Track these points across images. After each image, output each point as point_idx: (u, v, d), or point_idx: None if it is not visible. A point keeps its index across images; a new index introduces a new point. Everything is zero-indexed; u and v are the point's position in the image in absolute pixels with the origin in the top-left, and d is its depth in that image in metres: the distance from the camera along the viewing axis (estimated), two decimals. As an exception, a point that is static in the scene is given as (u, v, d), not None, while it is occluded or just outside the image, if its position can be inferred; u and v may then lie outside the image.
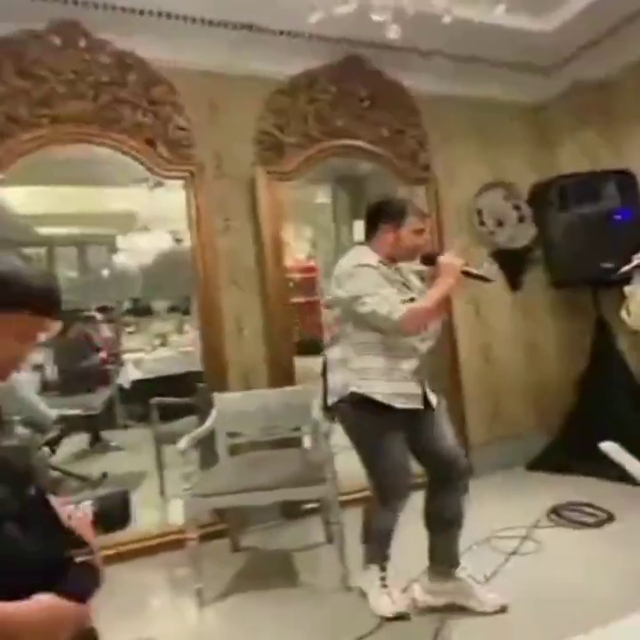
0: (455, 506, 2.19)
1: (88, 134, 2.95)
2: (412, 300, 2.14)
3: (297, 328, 4.56)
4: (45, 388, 5.15)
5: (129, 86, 3.01)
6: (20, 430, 3.23)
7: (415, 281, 2.32)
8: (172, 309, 6.81)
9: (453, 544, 2.23)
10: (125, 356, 5.87)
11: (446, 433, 2.23)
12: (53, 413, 3.92)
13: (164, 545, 2.88)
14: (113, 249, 6.48)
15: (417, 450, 2.20)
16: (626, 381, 3.70)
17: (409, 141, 3.67)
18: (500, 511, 3.03)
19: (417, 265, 2.29)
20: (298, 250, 6.03)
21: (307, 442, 3.12)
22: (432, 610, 2.19)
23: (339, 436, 2.36)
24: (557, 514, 2.97)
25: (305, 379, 3.40)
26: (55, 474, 3.91)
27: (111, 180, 4.22)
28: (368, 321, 2.09)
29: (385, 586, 2.24)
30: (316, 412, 2.74)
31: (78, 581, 0.94)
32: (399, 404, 2.11)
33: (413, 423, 2.16)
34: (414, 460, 2.22)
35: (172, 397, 3.92)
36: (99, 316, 5.90)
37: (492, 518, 2.85)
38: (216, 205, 3.22)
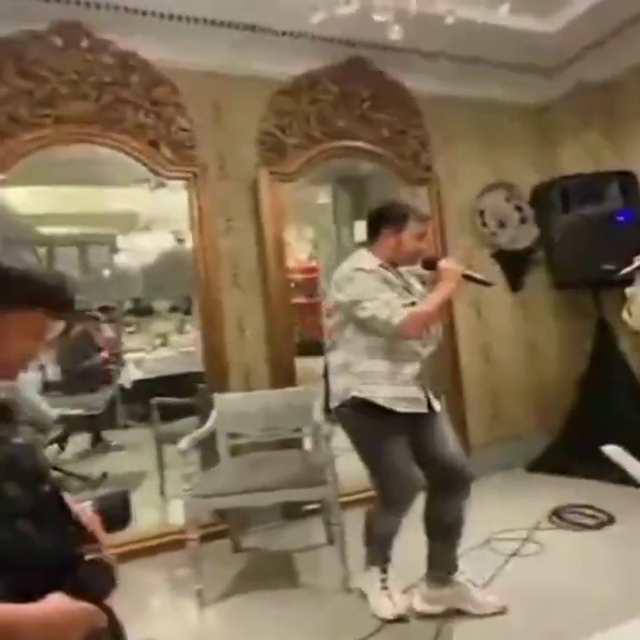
0: (455, 511, 2.18)
1: (90, 135, 2.95)
2: (413, 303, 2.14)
3: (297, 328, 4.56)
4: (47, 387, 5.15)
5: (131, 87, 3.01)
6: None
7: (416, 285, 2.32)
8: (173, 309, 6.81)
9: (452, 550, 2.22)
10: (126, 356, 5.88)
11: (448, 438, 2.21)
12: (54, 413, 3.93)
13: (165, 545, 2.88)
14: (114, 249, 6.48)
15: (418, 454, 2.19)
16: (627, 383, 3.69)
17: (411, 142, 3.67)
18: (500, 513, 3.03)
19: (418, 269, 2.29)
20: (299, 250, 6.04)
21: (307, 443, 3.12)
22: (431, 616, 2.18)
23: (339, 438, 2.36)
24: (558, 516, 2.96)
25: (306, 379, 3.40)
26: (55, 474, 3.91)
27: (113, 180, 4.22)
28: (368, 325, 2.08)
29: (385, 588, 2.24)
30: (317, 413, 2.74)
31: (95, 580, 0.94)
32: (401, 408, 2.10)
33: (415, 428, 2.16)
34: (416, 464, 2.21)
35: (172, 397, 3.92)
36: (101, 316, 5.90)
37: (491, 520, 2.84)
38: (218, 206, 3.22)
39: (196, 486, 2.46)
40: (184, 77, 3.09)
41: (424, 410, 2.15)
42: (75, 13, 2.84)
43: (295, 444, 3.09)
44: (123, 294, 6.65)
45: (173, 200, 3.63)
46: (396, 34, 2.25)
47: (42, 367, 5.27)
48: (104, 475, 4.00)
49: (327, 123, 3.44)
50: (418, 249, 2.23)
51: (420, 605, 2.22)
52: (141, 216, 5.90)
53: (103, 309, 5.95)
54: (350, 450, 2.25)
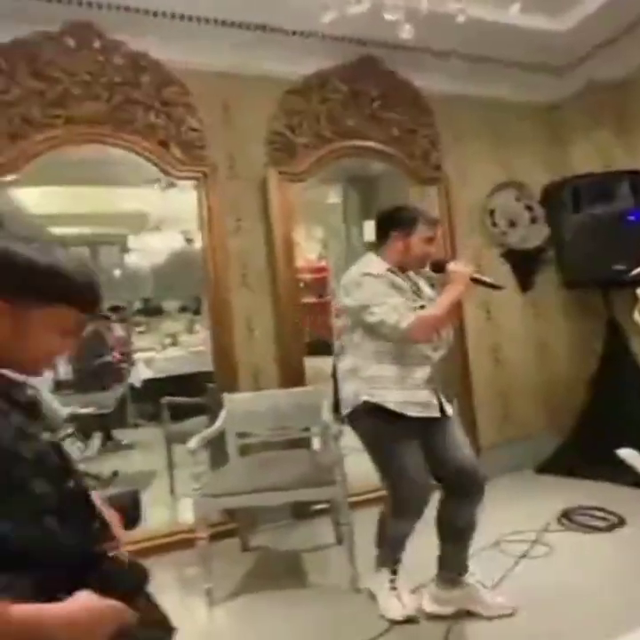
0: (468, 515, 2.17)
1: (101, 135, 2.96)
2: (422, 307, 2.14)
3: (306, 328, 4.56)
4: (58, 386, 5.18)
5: (142, 87, 3.02)
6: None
7: (425, 288, 2.31)
8: (183, 309, 6.83)
9: (463, 552, 2.22)
10: (136, 356, 5.91)
11: (461, 442, 2.20)
12: (64, 411, 3.95)
13: (174, 544, 2.89)
14: (125, 249, 6.52)
15: (431, 458, 2.17)
16: (638, 383, 3.66)
17: (421, 141, 3.66)
18: (509, 514, 3.01)
19: (428, 271, 2.28)
20: (309, 250, 6.04)
21: (316, 443, 3.12)
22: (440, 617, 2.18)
23: (348, 438, 2.36)
24: (568, 517, 2.95)
25: (315, 379, 3.40)
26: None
27: (123, 180, 4.24)
28: (376, 330, 2.08)
29: (394, 588, 2.24)
30: (326, 413, 2.74)
31: (122, 577, 0.95)
32: (413, 412, 2.09)
33: (427, 432, 2.15)
34: (429, 468, 2.19)
35: (182, 397, 3.93)
36: (111, 315, 5.93)
37: (501, 521, 2.83)
38: (228, 206, 3.23)
39: (206, 485, 2.47)
40: (194, 77, 3.10)
41: (436, 414, 2.15)
42: (87, 14, 2.86)
43: (304, 443, 3.09)
44: (133, 294, 6.68)
45: (183, 200, 3.64)
46: (406, 33, 2.25)
47: (53, 366, 5.31)
48: (114, 473, 4.02)
49: (337, 122, 3.44)
50: (426, 253, 2.22)
51: (430, 606, 2.21)
52: (151, 216, 5.92)
53: (114, 309, 5.98)
54: (359, 450, 2.24)
